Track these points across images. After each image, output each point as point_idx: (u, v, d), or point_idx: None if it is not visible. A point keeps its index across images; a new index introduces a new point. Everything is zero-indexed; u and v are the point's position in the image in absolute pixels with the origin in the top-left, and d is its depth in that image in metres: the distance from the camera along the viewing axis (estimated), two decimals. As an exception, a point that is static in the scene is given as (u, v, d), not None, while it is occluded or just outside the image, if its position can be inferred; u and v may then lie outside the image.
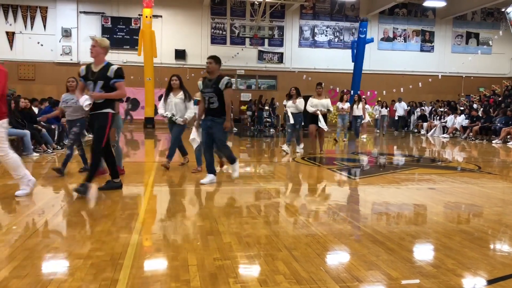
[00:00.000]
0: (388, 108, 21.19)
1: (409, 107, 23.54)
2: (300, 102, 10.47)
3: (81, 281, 2.90)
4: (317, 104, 10.56)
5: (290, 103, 10.52)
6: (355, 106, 15.60)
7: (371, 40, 22.36)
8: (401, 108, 22.68)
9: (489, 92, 24.15)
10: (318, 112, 10.47)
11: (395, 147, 14.52)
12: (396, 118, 22.90)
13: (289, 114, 10.52)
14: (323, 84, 10.94)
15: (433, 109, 22.19)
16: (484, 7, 24.38)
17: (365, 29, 21.65)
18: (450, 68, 24.54)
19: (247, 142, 15.76)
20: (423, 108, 22.63)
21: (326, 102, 10.66)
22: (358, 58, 21.73)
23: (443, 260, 3.44)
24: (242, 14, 23.48)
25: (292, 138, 11.16)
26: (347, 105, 14.79)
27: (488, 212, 5.24)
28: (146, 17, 19.78)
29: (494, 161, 11.14)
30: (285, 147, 11.06)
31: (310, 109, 10.60)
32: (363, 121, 16.10)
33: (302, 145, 11.16)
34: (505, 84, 24.86)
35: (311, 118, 10.66)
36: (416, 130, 22.42)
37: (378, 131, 21.00)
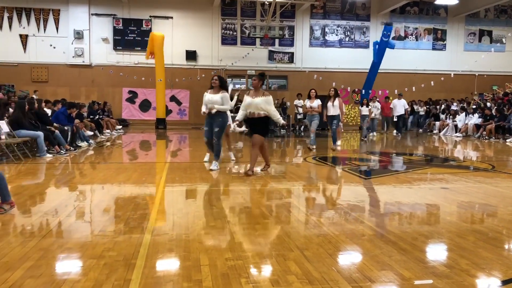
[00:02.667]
0: (377, 106, 18.02)
1: (410, 106, 21.53)
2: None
3: (95, 281, 2.93)
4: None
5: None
6: (329, 103, 11.75)
7: (393, 46, 21.78)
8: (400, 106, 19.44)
9: (501, 90, 23.84)
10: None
11: (395, 149, 14.40)
12: (395, 118, 19.57)
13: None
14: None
15: (444, 107, 21.91)
16: (497, 4, 24.05)
17: (389, 33, 21.49)
18: (463, 66, 24.27)
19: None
20: (435, 106, 22.38)
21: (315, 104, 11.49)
22: (376, 60, 21.59)
23: (457, 260, 3.41)
24: (252, 15, 23.48)
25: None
26: (316, 103, 11.32)
27: (502, 211, 5.17)
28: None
29: (508, 160, 11.00)
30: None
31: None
32: (340, 123, 12.65)
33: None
34: (519, 82, 24.52)
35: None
36: (420, 130, 21.75)
37: (374, 133, 18.15)
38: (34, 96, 16.47)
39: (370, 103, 17.80)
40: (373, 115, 17.64)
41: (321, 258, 3.41)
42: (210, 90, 8.05)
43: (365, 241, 3.89)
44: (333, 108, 11.61)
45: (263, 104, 7.23)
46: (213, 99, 7.86)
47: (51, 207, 5.10)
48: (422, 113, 22.80)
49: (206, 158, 9.02)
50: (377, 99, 18.97)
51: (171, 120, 22.45)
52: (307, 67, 23.85)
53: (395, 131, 19.56)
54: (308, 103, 11.51)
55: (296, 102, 21.43)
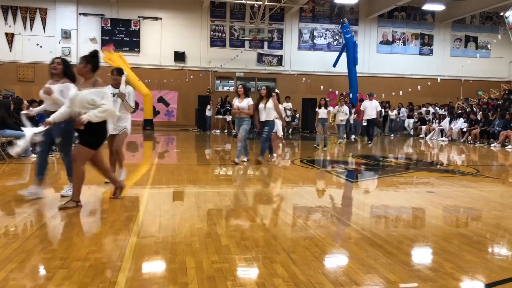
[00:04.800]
0: (345, 111, 15.22)
1: (383, 108, 20.13)
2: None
3: (79, 283, 2.90)
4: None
5: (262, 106, 9.25)
6: (261, 106, 9.36)
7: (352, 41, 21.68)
8: (372, 109, 15.78)
9: (486, 95, 24.20)
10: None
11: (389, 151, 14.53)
12: (364, 122, 16.78)
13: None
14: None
15: (429, 111, 22.12)
16: (483, 11, 24.40)
17: (349, 29, 21.58)
18: (449, 71, 24.57)
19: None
20: (420, 111, 22.58)
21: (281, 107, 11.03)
22: (350, 60, 21.68)
23: (442, 263, 3.44)
24: (241, 17, 23.50)
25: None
26: (245, 103, 9.19)
27: (486, 215, 5.24)
28: (110, 59, 18.58)
29: (492, 164, 11.15)
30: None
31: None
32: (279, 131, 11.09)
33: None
34: (504, 88, 24.90)
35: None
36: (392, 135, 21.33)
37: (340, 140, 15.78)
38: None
39: (336, 106, 15.46)
40: (339, 120, 15.13)
41: (308, 261, 3.42)
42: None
43: (351, 244, 3.91)
44: (265, 112, 9.23)
45: (89, 97, 4.87)
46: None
47: (35, 208, 5.03)
48: (392, 117, 22.53)
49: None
50: (347, 102, 16.58)
51: (158, 122, 22.33)
52: (296, 70, 23.93)
53: (366, 138, 16.65)
54: (236, 102, 9.28)
55: (285, 105, 21.47)
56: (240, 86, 9.47)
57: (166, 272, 3.15)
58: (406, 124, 22.75)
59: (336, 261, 3.54)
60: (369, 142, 15.66)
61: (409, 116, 22.75)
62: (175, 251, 3.59)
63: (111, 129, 5.98)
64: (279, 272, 3.16)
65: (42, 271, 3.17)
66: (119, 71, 6.64)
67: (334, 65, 22.08)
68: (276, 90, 10.85)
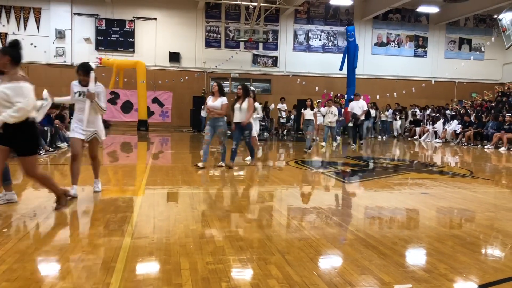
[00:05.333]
0: (333, 112, 14.21)
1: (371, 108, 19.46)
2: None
3: (73, 284, 2.88)
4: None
5: (237, 106, 8.77)
6: (237, 106, 8.89)
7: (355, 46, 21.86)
8: (358, 109, 14.60)
9: (480, 97, 24.35)
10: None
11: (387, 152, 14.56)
12: (350, 124, 15.53)
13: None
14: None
15: (424, 113, 22.19)
16: (476, 14, 24.58)
17: (353, 32, 21.64)
18: (443, 73, 24.70)
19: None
20: (414, 110, 22.63)
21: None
22: (350, 62, 21.71)
23: (436, 264, 3.45)
24: (236, 18, 23.50)
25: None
26: (219, 102, 8.51)
27: (480, 217, 5.27)
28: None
29: (486, 166, 11.21)
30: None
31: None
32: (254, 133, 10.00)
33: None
34: (497, 90, 25.07)
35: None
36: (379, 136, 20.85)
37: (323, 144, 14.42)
38: None
39: (325, 107, 14.62)
40: (327, 121, 14.23)
41: (302, 262, 3.42)
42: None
43: (345, 245, 3.91)
44: (241, 112, 8.71)
45: (2, 93, 4.30)
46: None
47: (29, 209, 5.00)
48: (383, 118, 21.99)
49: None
50: (340, 102, 16.01)
51: (153, 122, 22.27)
52: (291, 71, 23.96)
53: (351, 141, 15.58)
54: (209, 101, 8.62)
55: (280, 106, 21.53)
56: (215, 83, 8.79)
57: (160, 273, 3.14)
58: (394, 126, 22.25)
59: (330, 262, 3.54)
60: (361, 142, 15.12)
61: (398, 118, 22.31)
62: (169, 252, 3.57)
63: (77, 133, 5.58)
64: (274, 273, 3.16)
65: (35, 272, 3.15)
66: (86, 69, 5.59)
67: (341, 68, 21.85)
68: (252, 88, 10.29)
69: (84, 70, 5.57)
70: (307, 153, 12.13)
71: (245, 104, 8.69)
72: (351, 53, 21.46)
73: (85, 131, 5.59)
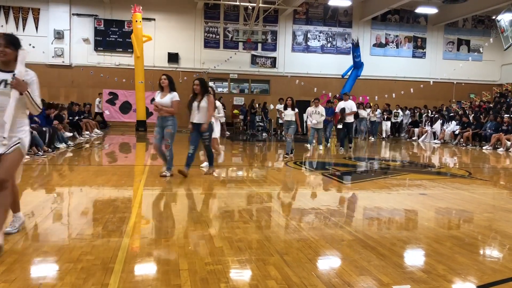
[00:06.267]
0: (320, 112, 13.17)
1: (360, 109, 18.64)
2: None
3: (71, 285, 2.87)
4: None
5: (195, 104, 7.59)
6: (194, 104, 7.66)
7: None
8: (347, 109, 13.77)
9: (478, 98, 24.41)
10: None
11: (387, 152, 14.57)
12: (339, 125, 14.06)
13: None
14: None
15: (422, 114, 22.17)
16: (475, 15, 24.63)
17: (359, 53, 22.05)
18: (442, 74, 24.74)
19: (240, 146, 15.75)
20: (413, 110, 22.62)
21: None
22: (352, 75, 22.15)
23: (434, 265, 3.46)
24: (235, 19, 23.51)
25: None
26: (168, 99, 7.41)
27: (478, 217, 5.27)
28: (136, 21, 19.77)
29: (484, 167, 11.23)
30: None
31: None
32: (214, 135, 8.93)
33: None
34: (495, 91, 25.12)
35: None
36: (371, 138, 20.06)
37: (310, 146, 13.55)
38: None
39: (311, 107, 13.41)
40: (313, 122, 13.21)
41: (301, 263, 3.42)
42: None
43: (344, 246, 3.92)
44: (199, 112, 7.51)
45: None
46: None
47: (27, 209, 4.99)
48: (373, 118, 21.14)
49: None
50: (330, 103, 14.99)
51: (152, 123, 22.21)
52: (289, 72, 23.98)
53: (339, 144, 14.21)
54: (157, 97, 7.50)
55: (278, 106, 21.51)
56: (164, 76, 7.49)
57: (159, 274, 3.13)
58: (383, 127, 21.56)
59: (329, 263, 3.54)
60: (350, 145, 13.79)
61: (387, 119, 21.66)
62: (168, 253, 3.57)
63: None
64: (273, 274, 3.16)
65: (33, 273, 3.14)
66: (11, 40, 3.85)
67: (343, 75, 22.30)
68: (211, 85, 9.81)
69: (8, 41, 3.78)
70: (288, 158, 10.95)
71: (204, 102, 7.46)
72: (354, 71, 21.93)
73: (6, 139, 3.61)
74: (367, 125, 20.32)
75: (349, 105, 13.90)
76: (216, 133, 9.16)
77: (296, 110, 11.35)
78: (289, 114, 11.28)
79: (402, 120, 22.67)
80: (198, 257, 3.47)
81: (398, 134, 22.77)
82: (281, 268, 3.28)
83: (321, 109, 13.24)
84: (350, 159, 11.74)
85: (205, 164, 8.48)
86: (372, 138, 20.34)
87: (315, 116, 13.13)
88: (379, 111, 21.84)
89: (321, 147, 13.54)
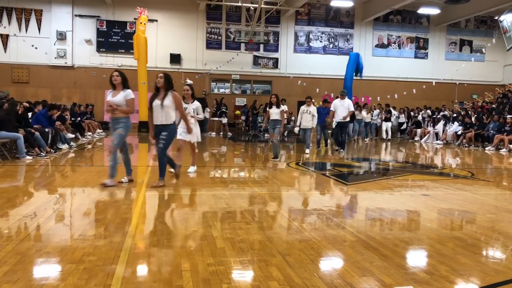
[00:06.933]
0: (312, 112, 12.06)
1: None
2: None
3: (74, 286, 2.88)
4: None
5: (157, 103, 6.57)
6: (156, 102, 6.62)
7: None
8: (344, 109, 12.84)
9: (481, 99, 24.35)
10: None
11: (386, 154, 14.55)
12: (334, 125, 13.15)
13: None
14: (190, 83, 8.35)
15: (423, 115, 22.11)
16: (477, 15, 24.58)
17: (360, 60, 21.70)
18: (444, 75, 24.70)
19: (242, 146, 15.75)
20: (416, 114, 22.60)
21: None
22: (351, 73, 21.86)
23: (437, 266, 3.45)
24: (237, 19, 23.52)
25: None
26: (120, 97, 6.62)
27: (481, 218, 5.26)
28: (141, 23, 19.77)
29: (487, 168, 11.20)
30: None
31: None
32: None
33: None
34: (498, 92, 25.05)
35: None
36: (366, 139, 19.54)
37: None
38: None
39: (303, 106, 12.31)
40: (303, 124, 12.16)
41: (303, 264, 3.42)
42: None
43: (346, 247, 3.91)
44: (162, 111, 6.47)
45: None
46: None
47: (30, 210, 5.00)
48: (368, 119, 20.35)
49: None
50: (326, 102, 14.06)
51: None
52: (291, 72, 23.97)
53: (337, 146, 13.27)
54: (109, 95, 6.71)
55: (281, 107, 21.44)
56: (116, 73, 6.67)
57: (161, 275, 3.14)
58: (384, 128, 20.91)
59: (331, 264, 3.54)
60: (341, 150, 12.77)
61: (386, 119, 21.06)
62: (170, 254, 3.57)
63: None
64: (275, 275, 3.16)
65: (36, 273, 3.15)
66: None
67: (360, 75, 21.92)
68: (188, 81, 8.02)
69: None
70: (276, 162, 10.21)
71: (167, 100, 6.43)
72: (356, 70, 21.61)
73: None
74: (360, 126, 19.76)
75: (346, 104, 12.84)
76: (194, 136, 7.85)
77: (282, 108, 10.52)
78: (274, 113, 10.30)
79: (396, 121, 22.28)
80: (200, 258, 3.47)
81: (400, 134, 22.68)
82: (283, 269, 3.28)
83: (313, 109, 12.14)
84: (352, 160, 11.73)
85: (192, 169, 7.93)
86: (366, 140, 19.68)
87: (305, 116, 12.07)
88: (376, 112, 21.27)
89: (308, 150, 12.31)
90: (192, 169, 8.04)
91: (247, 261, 3.45)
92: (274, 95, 10.47)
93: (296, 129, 12.97)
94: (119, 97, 6.54)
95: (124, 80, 6.67)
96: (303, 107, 12.31)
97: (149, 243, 3.87)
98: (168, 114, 6.45)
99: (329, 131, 14.71)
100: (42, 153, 9.97)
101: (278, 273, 3.19)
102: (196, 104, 7.87)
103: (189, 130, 7.18)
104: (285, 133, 21.19)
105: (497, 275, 3.32)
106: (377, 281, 3.11)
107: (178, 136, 7.49)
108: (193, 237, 4.05)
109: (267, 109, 10.65)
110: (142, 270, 3.25)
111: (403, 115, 22.48)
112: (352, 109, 13.13)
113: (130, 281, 3.00)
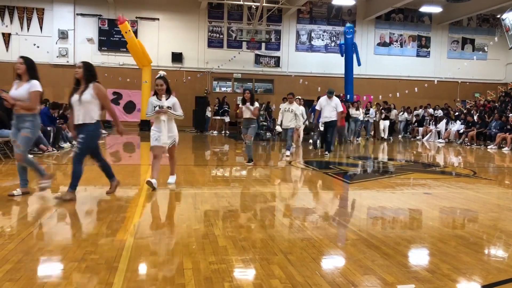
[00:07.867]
0: (293, 108, 11.33)
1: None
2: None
3: (76, 284, 2.88)
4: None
5: (75, 98, 5.47)
6: (74, 98, 5.53)
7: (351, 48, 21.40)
8: (331, 109, 11.73)
9: (483, 97, 24.31)
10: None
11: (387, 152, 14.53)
12: (321, 126, 12.13)
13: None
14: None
15: (423, 113, 22.03)
16: (479, 13, 24.51)
17: (351, 30, 21.40)
18: (446, 73, 24.66)
19: (243, 145, 15.74)
20: (417, 112, 22.56)
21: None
22: (348, 62, 21.68)
23: (439, 265, 3.44)
24: (239, 18, 23.52)
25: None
26: (85, 95, 5.41)
27: (483, 217, 5.25)
28: (126, 32, 19.03)
29: (489, 166, 11.18)
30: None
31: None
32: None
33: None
34: (500, 90, 25.01)
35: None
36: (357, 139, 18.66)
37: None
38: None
39: (284, 104, 11.69)
40: (284, 123, 11.39)
41: (305, 262, 3.42)
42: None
43: (348, 245, 3.91)
44: (80, 108, 5.42)
45: None
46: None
47: (32, 209, 5.01)
48: (361, 117, 19.07)
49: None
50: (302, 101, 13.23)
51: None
52: (293, 71, 23.96)
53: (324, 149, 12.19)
54: (13, 88, 5.68)
55: (282, 106, 21.46)
56: (21, 60, 5.60)
57: (163, 273, 3.14)
58: (381, 126, 20.44)
59: (333, 262, 3.54)
60: (326, 153, 11.74)
61: (385, 118, 20.58)
62: (172, 252, 3.58)
63: None
64: (276, 273, 3.16)
65: (38, 272, 3.15)
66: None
67: (359, 64, 21.91)
68: (161, 73, 6.51)
69: None
70: (250, 166, 9.18)
71: (87, 94, 5.36)
72: (349, 53, 21.45)
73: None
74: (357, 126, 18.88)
75: (334, 103, 11.67)
76: (169, 139, 6.61)
77: (257, 104, 9.24)
78: (247, 111, 9.13)
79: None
80: (202, 256, 3.48)
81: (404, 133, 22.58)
82: (285, 267, 3.28)
83: (296, 107, 11.36)
84: (354, 159, 11.72)
85: (172, 179, 6.85)
86: (358, 139, 18.60)
87: (286, 115, 11.19)
88: (372, 110, 20.49)
89: (288, 152, 11.36)
90: (172, 179, 6.84)
91: (249, 259, 3.45)
92: (248, 91, 9.25)
93: (278, 128, 12.21)
94: (22, 89, 5.45)
95: (29, 68, 5.55)
96: (283, 105, 11.46)
97: (151, 241, 3.87)
98: (88, 111, 5.35)
99: (314, 133, 13.87)
100: (49, 149, 10.12)
101: (280, 272, 3.19)
102: (173, 100, 6.47)
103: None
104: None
105: (499, 274, 3.31)
106: (379, 279, 3.11)
107: (153, 142, 6.43)
108: (195, 235, 4.05)
109: (240, 105, 9.46)
110: (144, 268, 3.26)
111: (406, 113, 22.41)
112: (340, 109, 11.93)
113: (132, 280, 3.00)
